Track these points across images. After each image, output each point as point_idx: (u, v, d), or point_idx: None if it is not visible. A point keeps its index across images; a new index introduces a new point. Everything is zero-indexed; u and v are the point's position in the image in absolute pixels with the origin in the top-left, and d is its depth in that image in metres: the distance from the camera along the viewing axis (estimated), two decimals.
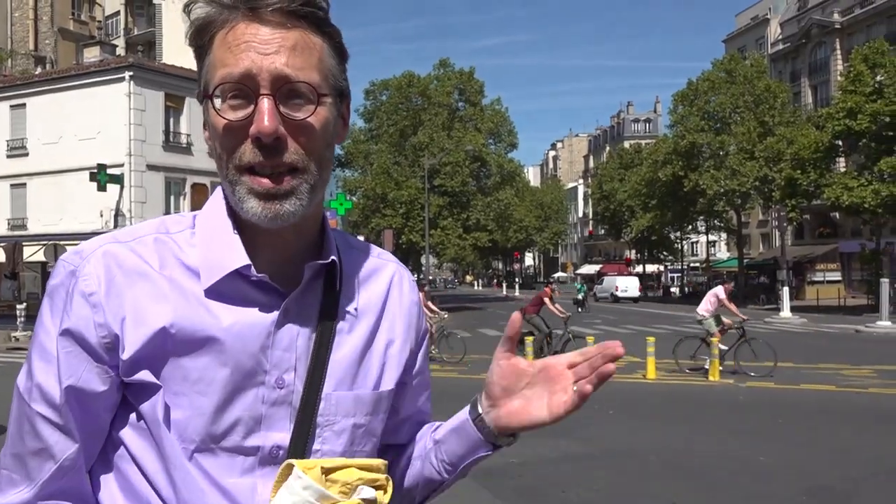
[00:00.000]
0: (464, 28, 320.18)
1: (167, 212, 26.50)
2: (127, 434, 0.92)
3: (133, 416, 0.92)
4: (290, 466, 0.85)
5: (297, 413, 0.94)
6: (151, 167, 28.24)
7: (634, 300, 50.37)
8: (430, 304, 16.01)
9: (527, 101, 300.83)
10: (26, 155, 29.79)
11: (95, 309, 0.89)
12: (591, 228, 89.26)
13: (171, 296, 0.91)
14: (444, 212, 40.44)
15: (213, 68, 0.91)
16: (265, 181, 0.90)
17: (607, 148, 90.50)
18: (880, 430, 8.48)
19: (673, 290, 62.24)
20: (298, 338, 0.95)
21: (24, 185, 29.84)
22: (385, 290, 1.08)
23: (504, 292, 68.63)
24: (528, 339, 14.16)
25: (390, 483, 0.87)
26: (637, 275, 60.32)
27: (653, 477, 6.51)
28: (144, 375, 0.90)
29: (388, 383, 1.03)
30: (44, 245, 23.99)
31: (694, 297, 53.49)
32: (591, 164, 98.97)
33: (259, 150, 0.89)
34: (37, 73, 33.28)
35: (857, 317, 28.24)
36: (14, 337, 19.70)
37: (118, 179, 26.42)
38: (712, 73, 42.99)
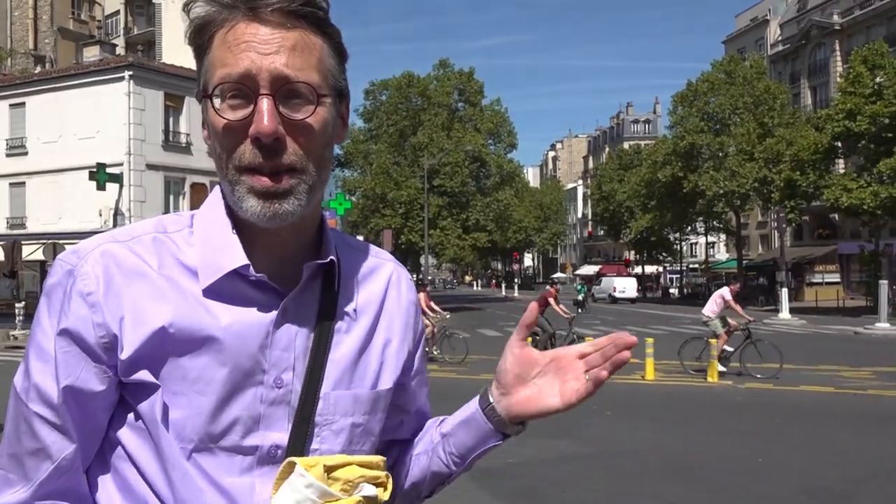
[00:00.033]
0: (463, 28, 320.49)
1: (166, 211, 26.48)
2: (125, 434, 0.92)
3: (131, 415, 0.92)
4: (293, 464, 0.85)
5: (296, 412, 0.94)
6: (151, 166, 28.23)
7: (632, 301, 50.42)
8: (432, 304, 15.98)
9: (526, 102, 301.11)
10: (25, 154, 29.78)
11: (94, 309, 0.89)
12: (590, 229, 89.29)
13: (169, 295, 0.91)
14: (444, 212, 40.45)
15: (212, 68, 0.91)
16: (265, 180, 0.89)
17: (607, 149, 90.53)
18: (879, 432, 8.49)
19: (672, 291, 62.28)
20: (297, 337, 0.95)
21: (24, 184, 29.82)
22: (383, 289, 1.08)
23: (503, 293, 68.63)
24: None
25: (390, 480, 0.88)
26: (636, 276, 60.38)
27: (651, 477, 6.52)
28: (143, 375, 0.90)
29: (386, 382, 1.04)
30: (43, 244, 23.97)
31: (693, 298, 53.61)
32: (591, 164, 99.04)
33: (259, 150, 0.89)
34: (36, 72, 33.26)
35: (856, 318, 28.27)
36: (13, 336, 19.70)
37: (117, 179, 26.41)
38: (712, 75, 43.04)
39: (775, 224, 33.87)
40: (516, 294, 64.56)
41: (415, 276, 45.32)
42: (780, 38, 55.60)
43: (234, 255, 0.93)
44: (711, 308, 13.31)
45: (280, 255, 0.97)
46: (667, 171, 44.17)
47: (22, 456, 0.91)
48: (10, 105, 30.23)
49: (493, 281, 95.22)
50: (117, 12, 44.13)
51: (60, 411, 0.89)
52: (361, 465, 0.86)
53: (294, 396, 0.94)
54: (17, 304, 21.16)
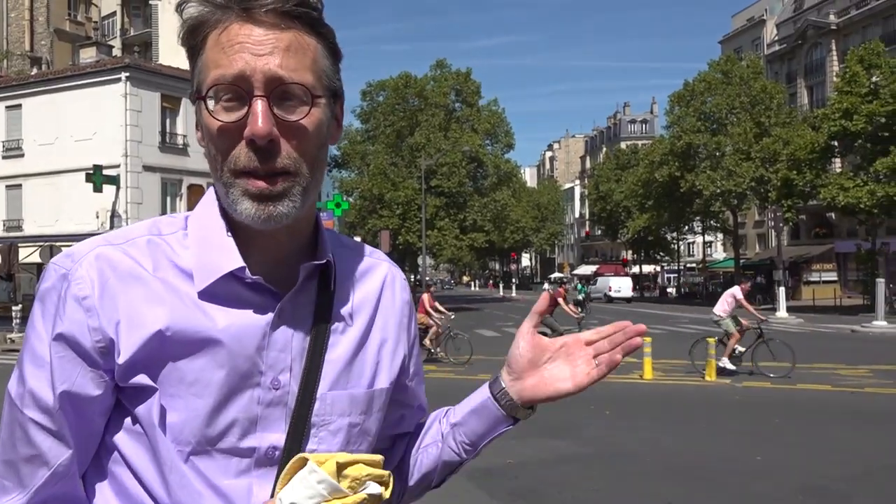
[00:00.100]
0: (460, 29, 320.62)
1: (163, 213, 26.43)
2: (121, 438, 0.92)
3: (128, 419, 0.92)
4: (304, 460, 0.85)
5: (293, 413, 0.94)
6: (147, 168, 28.18)
7: (627, 300, 50.52)
8: (436, 304, 15.95)
9: (524, 102, 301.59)
10: (22, 156, 29.71)
11: (89, 313, 0.89)
12: (587, 229, 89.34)
13: (165, 298, 0.91)
14: (441, 212, 40.47)
15: (206, 69, 0.90)
16: (259, 183, 0.89)
17: (604, 149, 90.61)
18: (876, 429, 8.50)
19: (669, 290, 62.36)
20: (293, 338, 0.95)
21: (20, 186, 29.76)
22: (378, 289, 1.08)
23: (501, 293, 68.65)
24: None
25: (392, 479, 0.88)
26: (633, 275, 60.46)
27: (650, 477, 6.52)
28: (141, 379, 0.89)
29: (383, 382, 1.04)
30: (40, 246, 23.91)
31: (690, 297, 53.73)
32: (588, 164, 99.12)
33: (253, 152, 0.88)
34: (33, 73, 33.21)
35: (853, 317, 28.31)
36: (9, 339, 19.65)
37: (114, 180, 26.35)
38: (709, 74, 43.11)
39: (772, 223, 33.93)
40: (514, 294, 64.60)
41: (412, 276, 45.34)
42: (776, 38, 55.70)
43: (229, 258, 0.93)
44: (722, 307, 13.17)
45: (275, 257, 0.97)
46: (664, 170, 44.24)
47: (17, 462, 0.90)
48: (7, 107, 30.17)
49: (491, 281, 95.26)
50: (114, 13, 44.08)
51: (56, 417, 0.89)
52: (367, 463, 0.86)
53: (291, 397, 0.94)
54: (13, 308, 21.11)
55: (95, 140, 27.74)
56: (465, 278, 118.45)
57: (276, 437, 0.93)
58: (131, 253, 0.93)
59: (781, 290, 29.75)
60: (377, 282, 1.08)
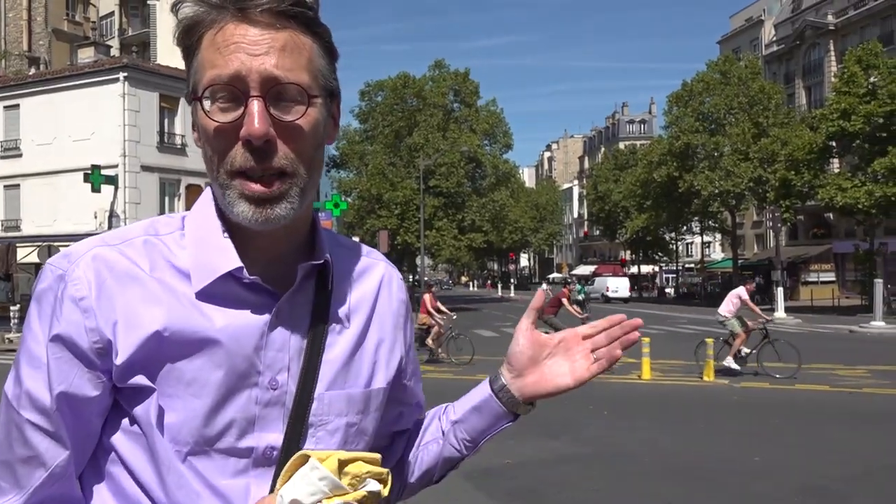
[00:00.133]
0: (460, 29, 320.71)
1: (162, 213, 26.37)
2: (118, 439, 0.92)
3: (125, 420, 0.91)
4: (306, 457, 0.85)
5: (290, 413, 0.94)
6: (146, 168, 28.16)
7: (625, 301, 50.56)
8: (438, 304, 15.92)
9: (522, 102, 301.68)
10: (20, 156, 29.68)
11: (86, 314, 0.88)
12: (586, 229, 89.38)
13: (163, 299, 0.91)
14: (440, 213, 40.47)
15: (201, 69, 0.90)
16: (256, 187, 0.89)
17: (602, 149, 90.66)
18: (874, 430, 8.51)
19: (668, 290, 62.39)
20: (291, 338, 0.95)
21: (18, 186, 29.72)
22: (375, 289, 1.08)
23: (499, 293, 68.64)
24: None
25: (390, 476, 0.89)
26: (631, 276, 60.46)
27: (649, 477, 6.52)
28: (139, 379, 0.89)
29: (380, 382, 1.04)
30: (38, 246, 23.90)
31: (689, 297, 53.75)
32: (586, 164, 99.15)
33: (250, 153, 0.88)
34: (31, 73, 33.17)
35: (851, 317, 28.35)
36: (7, 339, 19.62)
37: (112, 180, 26.30)
38: (707, 75, 43.13)
39: (770, 223, 33.95)
40: (512, 294, 64.60)
41: (411, 277, 45.34)
42: (774, 39, 55.75)
43: (227, 258, 0.93)
44: (727, 308, 13.11)
45: (272, 257, 0.97)
46: (662, 171, 44.26)
47: (14, 463, 0.90)
48: (5, 107, 30.13)
49: (489, 281, 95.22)
50: (112, 13, 44.01)
51: (53, 418, 0.88)
52: (367, 461, 0.87)
53: (289, 397, 0.94)
54: (11, 307, 21.08)
55: (93, 140, 27.71)
56: (464, 278, 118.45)
57: (273, 436, 0.93)
58: (128, 253, 0.93)
59: (779, 291, 29.78)
60: (374, 282, 1.08)
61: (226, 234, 0.95)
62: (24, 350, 0.91)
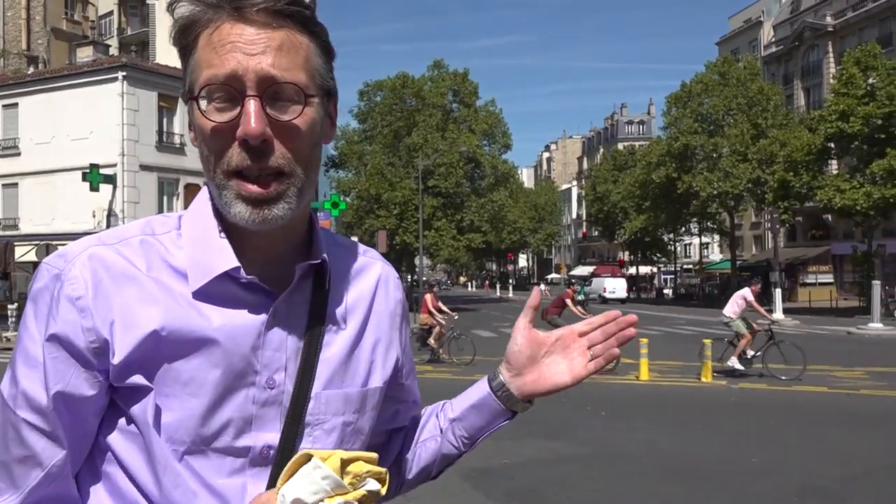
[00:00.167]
0: (460, 29, 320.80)
1: (160, 212, 26.31)
2: (115, 438, 0.91)
3: (122, 419, 0.91)
4: (308, 456, 0.85)
5: (287, 412, 0.94)
6: (144, 167, 28.14)
7: (622, 301, 50.60)
8: (440, 304, 15.90)
9: (522, 103, 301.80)
10: (18, 155, 29.65)
11: (83, 313, 0.88)
12: (584, 230, 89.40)
13: (160, 298, 0.91)
14: (438, 213, 40.47)
15: (198, 69, 0.90)
16: (253, 188, 0.89)
17: (601, 149, 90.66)
18: (872, 431, 8.52)
19: (666, 291, 62.41)
20: (288, 338, 0.95)
21: (16, 184, 29.69)
22: (372, 289, 1.08)
23: (498, 293, 68.66)
24: None
25: (388, 475, 0.89)
26: (630, 276, 60.48)
27: (648, 478, 6.52)
28: (136, 379, 0.89)
29: (377, 381, 1.04)
30: (36, 245, 23.88)
31: (687, 298, 53.78)
32: (585, 165, 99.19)
33: (246, 152, 0.88)
34: (29, 72, 33.13)
35: (849, 318, 28.37)
36: (5, 337, 19.60)
37: (111, 180, 26.27)
38: (705, 76, 43.17)
39: (769, 225, 33.96)
40: (511, 295, 64.61)
41: (409, 277, 45.33)
42: (773, 40, 55.81)
43: (224, 258, 0.93)
44: (732, 309, 13.02)
45: (269, 256, 0.97)
46: (661, 171, 44.30)
47: (10, 463, 0.90)
48: (3, 105, 30.10)
49: (488, 282, 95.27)
50: (111, 13, 43.97)
51: (50, 417, 0.88)
52: (366, 460, 0.87)
53: (286, 397, 0.94)
54: (9, 306, 21.06)
55: (92, 139, 27.69)
56: (462, 279, 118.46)
57: (270, 436, 0.93)
58: (125, 253, 0.92)
59: (778, 292, 29.79)
60: (371, 281, 1.08)
61: (223, 234, 0.95)
62: (21, 349, 0.90)
